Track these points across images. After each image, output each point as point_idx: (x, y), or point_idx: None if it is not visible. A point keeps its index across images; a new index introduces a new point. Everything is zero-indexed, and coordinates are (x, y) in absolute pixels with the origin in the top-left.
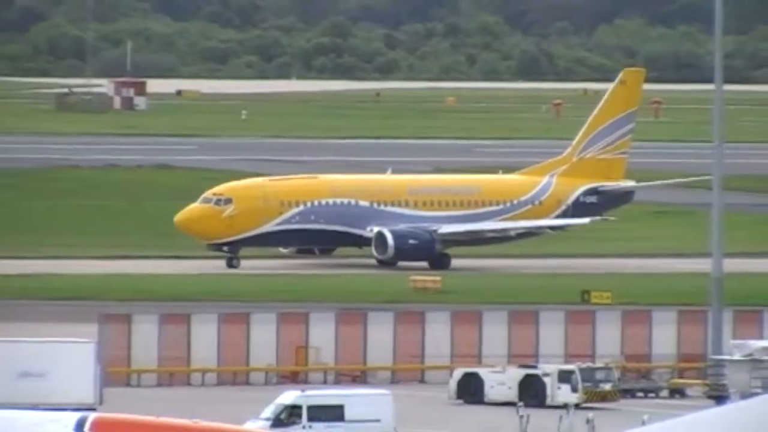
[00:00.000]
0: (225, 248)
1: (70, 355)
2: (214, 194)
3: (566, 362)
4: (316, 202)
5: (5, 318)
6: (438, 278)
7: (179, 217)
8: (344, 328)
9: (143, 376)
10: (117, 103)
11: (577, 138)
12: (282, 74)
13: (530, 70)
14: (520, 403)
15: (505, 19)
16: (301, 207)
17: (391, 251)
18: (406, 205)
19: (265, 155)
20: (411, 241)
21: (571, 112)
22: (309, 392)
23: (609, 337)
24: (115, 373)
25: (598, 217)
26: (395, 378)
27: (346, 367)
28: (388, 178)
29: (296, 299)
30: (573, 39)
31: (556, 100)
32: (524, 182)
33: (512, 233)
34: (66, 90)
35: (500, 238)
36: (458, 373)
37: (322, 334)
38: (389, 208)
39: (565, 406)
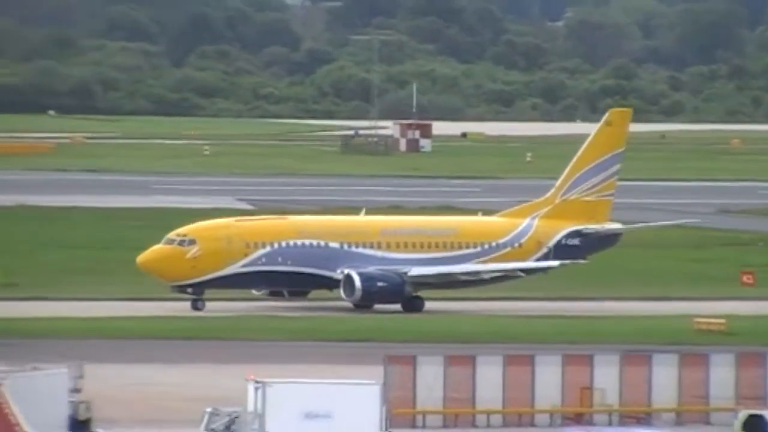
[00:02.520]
0: (189, 290)
1: (355, 397)
2: (178, 235)
3: None
4: (283, 243)
5: (292, 359)
6: (722, 321)
7: (142, 258)
8: (628, 369)
9: (428, 417)
10: (402, 145)
11: (561, 179)
12: (567, 116)
13: None
14: None
15: None
16: (268, 248)
17: (358, 294)
18: (378, 246)
19: None
20: (380, 284)
21: None
22: None
23: None
24: (401, 414)
25: (567, 261)
26: (680, 419)
27: (631, 408)
28: (360, 219)
29: (580, 341)
30: None
31: None
32: (503, 224)
33: (485, 276)
34: (352, 132)
35: (474, 281)
36: (743, 414)
37: (607, 376)
38: (360, 250)
39: None
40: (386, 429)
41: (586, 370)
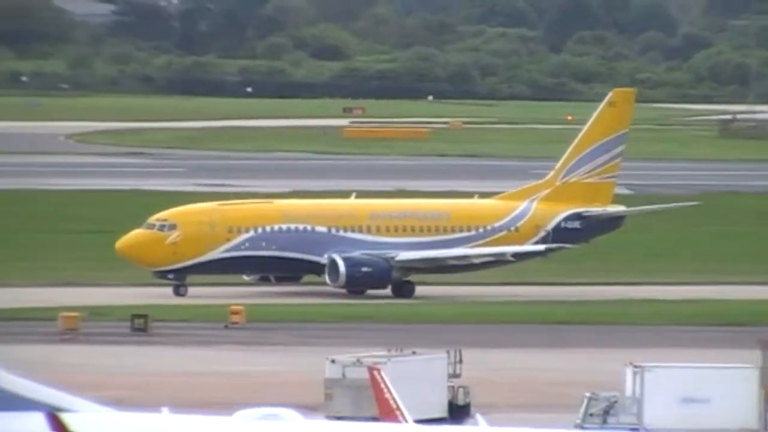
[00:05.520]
0: (170, 276)
1: (733, 381)
2: (158, 219)
3: None
4: (268, 228)
5: (665, 344)
6: None
7: (120, 243)
8: None
9: None
10: None
11: (561, 161)
12: None
13: None
14: None
15: None
16: (251, 233)
17: (343, 279)
18: (368, 230)
19: None
20: (364, 269)
21: None
22: None
23: None
24: None
25: (554, 245)
26: None
27: None
28: (349, 202)
29: None
30: None
31: None
32: (500, 207)
33: (475, 261)
34: (730, 117)
35: (464, 266)
36: None
37: None
38: (348, 234)
39: None
40: (765, 413)
41: None
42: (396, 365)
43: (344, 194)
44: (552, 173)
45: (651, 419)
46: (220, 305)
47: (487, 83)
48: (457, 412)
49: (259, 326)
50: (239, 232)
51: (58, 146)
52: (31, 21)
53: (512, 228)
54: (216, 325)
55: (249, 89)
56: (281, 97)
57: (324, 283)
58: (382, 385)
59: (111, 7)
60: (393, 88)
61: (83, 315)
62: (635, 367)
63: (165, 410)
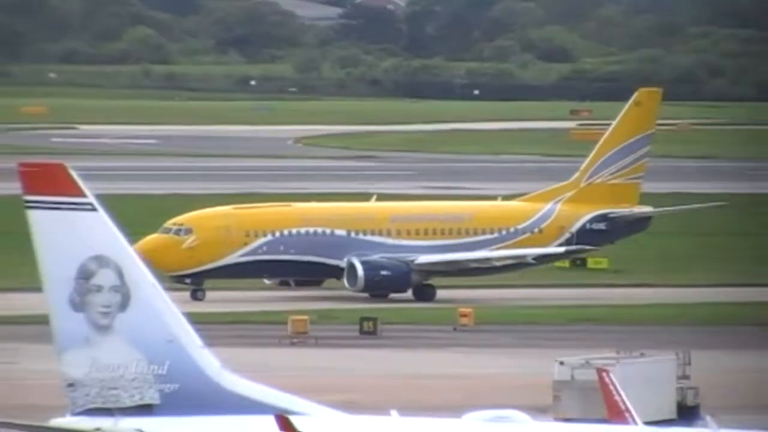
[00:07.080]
0: (187, 280)
1: None
2: (174, 224)
3: None
4: (286, 232)
5: None
6: None
7: (136, 247)
8: None
9: None
10: None
11: (586, 162)
12: None
13: None
14: None
15: None
16: (269, 237)
17: (361, 282)
18: (388, 234)
19: None
20: (383, 272)
21: None
22: None
23: None
24: None
25: (573, 247)
26: None
27: None
28: (369, 205)
29: None
30: None
31: None
32: (523, 209)
33: (497, 263)
34: None
35: (485, 268)
36: None
37: None
38: (369, 237)
39: None
40: None
41: None
42: (625, 367)
43: None
44: (577, 174)
45: None
46: (448, 308)
47: (714, 84)
48: (687, 413)
49: (488, 328)
50: (256, 236)
51: (287, 150)
52: (260, 25)
53: (536, 230)
54: (445, 328)
55: (476, 92)
56: (508, 99)
57: (344, 288)
58: (611, 387)
59: (338, 10)
60: (620, 89)
61: (312, 318)
62: None
63: (394, 413)
